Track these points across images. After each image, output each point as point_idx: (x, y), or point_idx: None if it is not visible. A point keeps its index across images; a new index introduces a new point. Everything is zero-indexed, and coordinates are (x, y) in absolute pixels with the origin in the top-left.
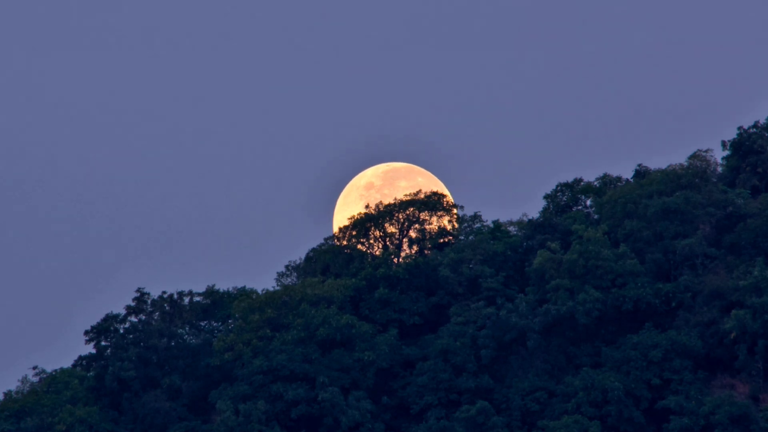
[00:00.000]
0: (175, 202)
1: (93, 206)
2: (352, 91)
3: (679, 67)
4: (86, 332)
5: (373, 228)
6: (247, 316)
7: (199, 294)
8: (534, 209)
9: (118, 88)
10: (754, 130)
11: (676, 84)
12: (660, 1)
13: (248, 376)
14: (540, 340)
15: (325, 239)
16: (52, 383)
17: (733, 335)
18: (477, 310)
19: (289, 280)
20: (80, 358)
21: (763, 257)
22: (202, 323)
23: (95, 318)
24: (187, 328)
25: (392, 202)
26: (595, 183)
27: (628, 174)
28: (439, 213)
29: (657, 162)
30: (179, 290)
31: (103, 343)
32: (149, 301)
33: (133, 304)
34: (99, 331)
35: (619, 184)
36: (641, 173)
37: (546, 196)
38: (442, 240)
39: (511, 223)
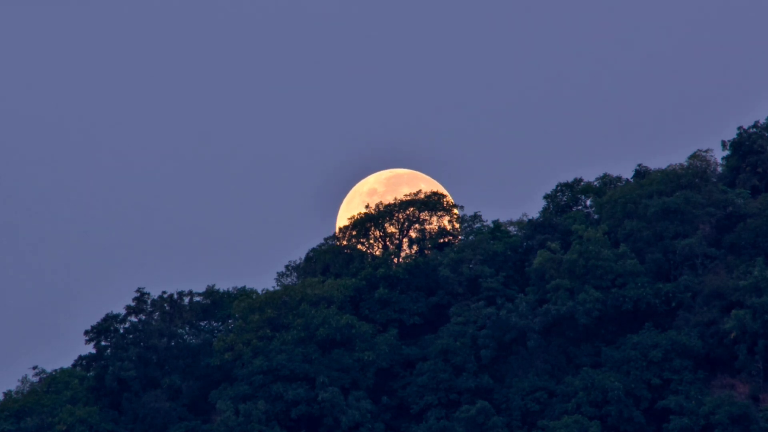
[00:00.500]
0: (176, 202)
1: (93, 206)
2: (356, 96)
3: (679, 67)
4: (86, 332)
5: (373, 228)
6: (247, 316)
7: (199, 294)
8: (534, 209)
9: (119, 88)
10: (754, 130)
11: (676, 84)
12: (660, 2)
13: (248, 376)
14: (540, 340)
15: (325, 239)
16: (52, 383)
17: (733, 335)
18: (477, 310)
19: (289, 280)
20: (80, 358)
21: (763, 257)
22: (202, 323)
23: (95, 318)
24: (187, 328)
25: (392, 202)
26: (595, 183)
27: (628, 174)
28: (439, 213)
29: (657, 162)
30: (179, 290)
31: (103, 343)
32: (149, 301)
33: (133, 304)
34: (99, 331)
35: (619, 184)
36: (641, 173)
37: (546, 196)
38: (442, 240)
39: (511, 223)
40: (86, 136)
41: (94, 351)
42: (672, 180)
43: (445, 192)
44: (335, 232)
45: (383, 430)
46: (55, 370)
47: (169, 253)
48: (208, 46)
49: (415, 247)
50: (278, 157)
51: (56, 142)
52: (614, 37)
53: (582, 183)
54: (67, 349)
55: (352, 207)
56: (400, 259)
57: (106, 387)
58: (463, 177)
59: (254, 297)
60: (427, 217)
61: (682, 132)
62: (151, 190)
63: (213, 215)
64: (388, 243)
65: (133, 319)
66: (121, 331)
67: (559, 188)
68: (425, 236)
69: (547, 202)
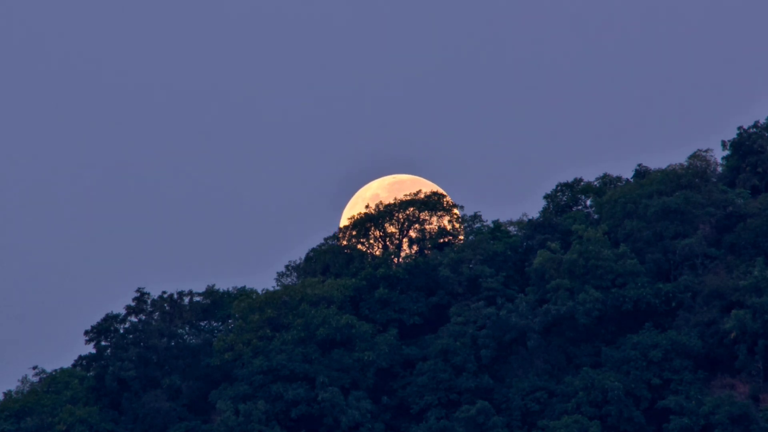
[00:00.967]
0: (176, 202)
1: (93, 206)
2: (360, 102)
3: (679, 67)
4: (86, 332)
5: (373, 228)
6: (247, 316)
7: (199, 294)
8: (534, 209)
9: (119, 87)
10: (754, 130)
11: (676, 84)
12: (660, 2)
13: (248, 376)
14: (540, 340)
15: (325, 239)
16: (52, 383)
17: (733, 335)
18: (477, 310)
19: (289, 280)
20: (80, 358)
21: (763, 257)
22: (202, 323)
23: (95, 318)
24: (187, 328)
25: (392, 202)
26: (595, 183)
27: (628, 174)
28: (439, 213)
29: (657, 162)
30: (179, 290)
31: (103, 343)
32: (149, 301)
33: (133, 304)
34: (99, 331)
35: (619, 184)
36: (641, 173)
37: (546, 196)
38: (442, 240)
39: (511, 223)
40: (86, 135)
41: (94, 351)
42: (672, 180)
43: (445, 194)
44: (335, 232)
45: (383, 430)
46: (55, 370)
47: (169, 253)
48: (212, 48)
49: (415, 247)
50: (279, 157)
51: (56, 141)
52: (614, 37)
53: (582, 183)
54: (67, 349)
55: (355, 212)
56: (400, 259)
57: (106, 387)
58: (463, 177)
59: (254, 297)
60: (427, 217)
61: (682, 132)
62: (151, 190)
63: (213, 215)
64: (388, 243)
65: (133, 319)
66: (121, 331)
67: (559, 188)
68: (425, 236)
69: (547, 202)
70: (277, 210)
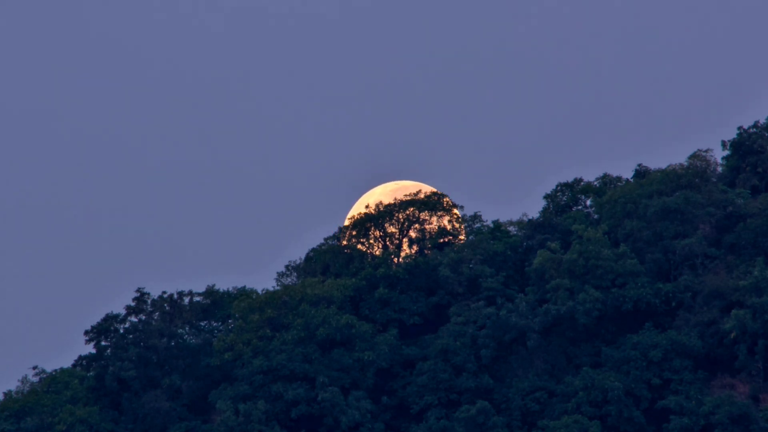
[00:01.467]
0: (176, 202)
1: (94, 206)
2: (360, 104)
3: (679, 67)
4: (86, 332)
5: (373, 228)
6: (247, 316)
7: (199, 294)
8: (534, 209)
9: (119, 87)
10: (754, 130)
11: (676, 84)
12: (660, 2)
13: (248, 376)
14: (540, 340)
15: (325, 239)
16: (52, 383)
17: (733, 335)
18: (477, 310)
19: (289, 280)
20: (80, 358)
21: (763, 257)
22: (202, 323)
23: (95, 318)
24: (187, 328)
25: (392, 202)
26: (595, 183)
27: (628, 174)
28: (439, 213)
29: (657, 162)
30: (179, 290)
31: (103, 343)
32: (149, 301)
33: (133, 304)
34: (99, 331)
35: (619, 184)
36: (641, 173)
37: (546, 196)
38: (442, 240)
39: (511, 223)
40: (86, 135)
41: (94, 351)
42: (672, 180)
43: (445, 194)
44: (335, 232)
45: (383, 430)
46: (55, 370)
47: (169, 253)
48: (214, 49)
49: (415, 247)
50: (279, 157)
51: (56, 141)
52: (614, 37)
53: (582, 183)
54: (67, 349)
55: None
56: (400, 259)
57: (106, 387)
58: (463, 177)
59: (254, 297)
60: (427, 217)
61: (682, 132)
62: (151, 190)
63: (213, 215)
64: (388, 243)
65: (133, 319)
66: (121, 331)
67: (559, 188)
68: (425, 236)
69: (547, 202)
70: (277, 210)
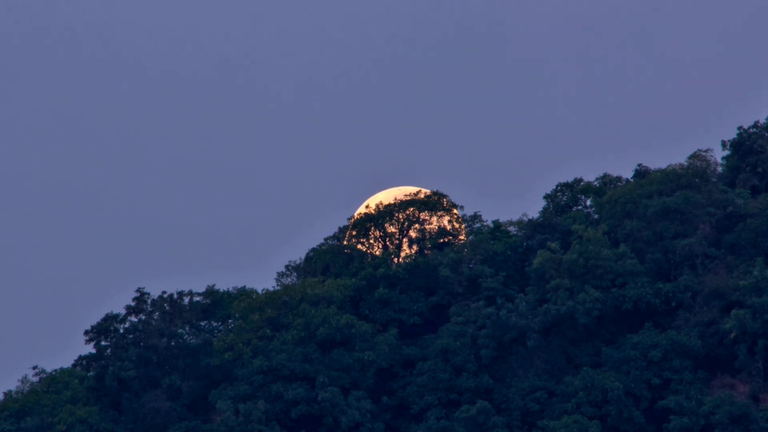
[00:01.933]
0: (176, 202)
1: (93, 206)
2: (363, 109)
3: (680, 67)
4: (86, 332)
5: (373, 228)
6: (247, 316)
7: (199, 294)
8: (534, 209)
9: (119, 87)
10: (754, 130)
11: (676, 84)
12: (660, 2)
13: (248, 376)
14: (540, 340)
15: (325, 239)
16: (52, 383)
17: (733, 335)
18: (477, 310)
19: (289, 280)
20: (80, 358)
21: (763, 257)
22: (202, 323)
23: (95, 318)
24: (187, 328)
25: (392, 202)
26: (595, 183)
27: (628, 174)
28: (439, 213)
29: (657, 162)
30: (179, 290)
31: (103, 343)
32: (149, 301)
33: (133, 304)
34: (99, 331)
35: (619, 184)
36: (641, 173)
37: (546, 196)
38: (442, 240)
39: (511, 223)
40: (86, 135)
41: (94, 351)
42: (672, 180)
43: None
44: (335, 232)
45: (383, 430)
46: (55, 370)
47: (169, 253)
48: (215, 49)
49: (415, 247)
50: (279, 158)
51: (56, 141)
52: (614, 37)
53: (582, 183)
54: (67, 349)
55: None
56: (400, 259)
57: (106, 387)
58: (463, 177)
59: (254, 297)
60: (427, 217)
61: (682, 132)
62: (151, 191)
63: (213, 215)
64: (388, 243)
65: (133, 319)
66: (121, 331)
67: (559, 188)
68: (425, 236)
69: (547, 202)
70: (277, 210)
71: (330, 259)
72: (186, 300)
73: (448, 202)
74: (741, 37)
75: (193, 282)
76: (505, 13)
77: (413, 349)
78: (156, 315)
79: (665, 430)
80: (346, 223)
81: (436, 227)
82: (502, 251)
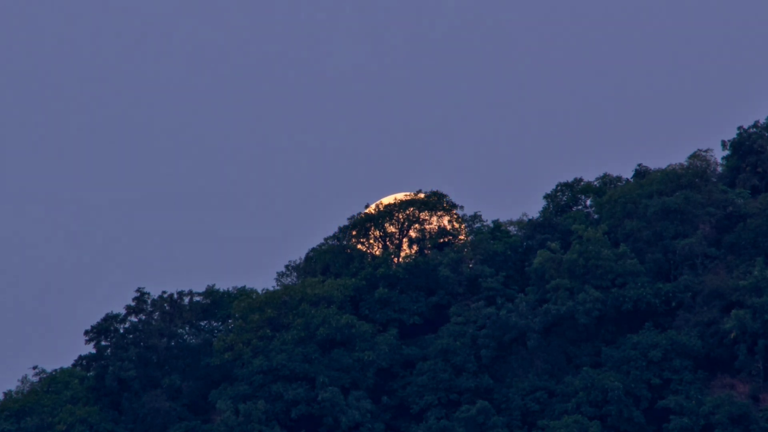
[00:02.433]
0: (176, 202)
1: (93, 206)
2: (363, 109)
3: (680, 67)
4: (86, 332)
5: (373, 228)
6: (247, 316)
7: (199, 294)
8: (534, 209)
9: (120, 86)
10: (754, 130)
11: (676, 84)
12: (660, 2)
13: (248, 376)
14: (540, 340)
15: (325, 239)
16: (52, 383)
17: (733, 335)
18: (477, 310)
19: (289, 280)
20: (80, 358)
21: (763, 257)
22: (202, 323)
23: (95, 318)
24: (187, 328)
25: (392, 202)
26: (595, 183)
27: (628, 174)
28: (439, 213)
29: (657, 162)
30: (179, 290)
31: (103, 343)
32: (149, 301)
33: (133, 304)
34: (99, 331)
35: (619, 184)
36: (641, 173)
37: (546, 196)
38: (442, 240)
39: (511, 223)
40: (86, 135)
41: (94, 351)
42: (672, 180)
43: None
44: (335, 232)
45: (383, 430)
46: (55, 370)
47: (169, 253)
48: (215, 51)
49: (415, 247)
50: (279, 158)
51: (56, 141)
52: (614, 37)
53: (582, 183)
54: (67, 349)
55: None
56: (400, 259)
57: (106, 387)
58: (463, 177)
59: (254, 297)
60: (427, 217)
61: (682, 132)
62: (151, 191)
63: (213, 215)
64: (388, 243)
65: (133, 319)
66: (121, 331)
67: (559, 188)
68: (425, 236)
69: (547, 202)
70: (277, 210)
71: (330, 259)
72: (186, 300)
73: (448, 202)
74: (741, 37)
75: (193, 282)
76: (505, 14)
77: (413, 349)
78: (156, 315)
79: (665, 430)
80: (346, 223)
81: (436, 227)
82: (502, 251)
